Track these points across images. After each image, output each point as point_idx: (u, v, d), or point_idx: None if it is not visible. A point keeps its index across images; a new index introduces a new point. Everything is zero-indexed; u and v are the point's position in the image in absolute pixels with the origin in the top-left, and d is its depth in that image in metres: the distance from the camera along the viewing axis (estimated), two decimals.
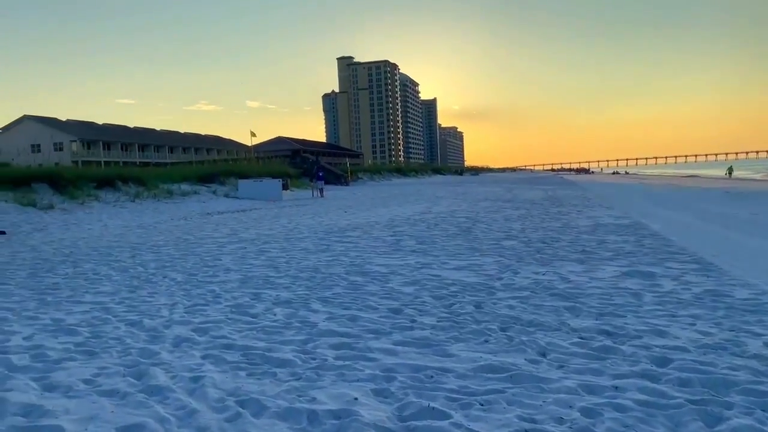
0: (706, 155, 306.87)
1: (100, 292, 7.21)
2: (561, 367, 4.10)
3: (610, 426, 3.14)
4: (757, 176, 58.11)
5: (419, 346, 4.57)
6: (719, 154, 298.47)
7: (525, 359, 4.22)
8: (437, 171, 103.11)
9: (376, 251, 10.10)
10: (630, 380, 3.78)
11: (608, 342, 4.65)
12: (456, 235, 12.34)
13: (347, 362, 4.26)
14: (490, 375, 3.88)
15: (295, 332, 5.13)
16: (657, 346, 4.52)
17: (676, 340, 4.71)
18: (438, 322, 5.28)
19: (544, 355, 4.39)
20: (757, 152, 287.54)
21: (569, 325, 5.14)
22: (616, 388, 3.67)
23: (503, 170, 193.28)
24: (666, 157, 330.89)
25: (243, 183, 33.03)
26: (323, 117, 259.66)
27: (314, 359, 4.37)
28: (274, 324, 5.42)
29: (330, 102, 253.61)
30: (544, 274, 7.71)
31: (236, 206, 25.97)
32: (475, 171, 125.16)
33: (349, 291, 6.78)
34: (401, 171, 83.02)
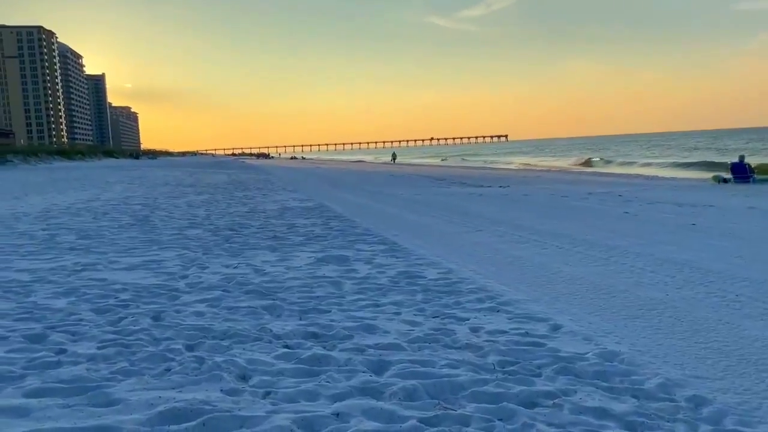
0: (376, 143, 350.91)
1: None
2: (268, 394, 3.22)
3: None
4: (414, 161, 67.33)
5: (68, 393, 3.19)
6: (386, 141, 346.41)
7: (221, 390, 3.23)
8: (109, 154, 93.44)
9: (18, 252, 7.85)
10: (351, 401, 3.10)
11: (318, 349, 3.94)
12: (130, 226, 10.57)
13: None
14: (173, 427, 2.78)
15: None
16: (370, 347, 3.98)
17: (386, 336, 4.25)
18: (99, 349, 3.92)
19: (245, 379, 3.46)
20: (415, 140, 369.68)
21: (271, 330, 4.30)
22: (338, 415, 2.94)
23: (184, 154, 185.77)
24: (336, 144, 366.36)
25: None
26: None
27: None
28: None
29: None
30: (236, 267, 6.77)
31: None
32: (153, 155, 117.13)
33: None
34: (65, 153, 72.67)
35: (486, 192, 18.29)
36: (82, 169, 43.78)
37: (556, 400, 3.12)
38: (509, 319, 4.73)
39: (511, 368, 3.63)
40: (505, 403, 3.07)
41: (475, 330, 4.45)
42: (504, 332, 4.38)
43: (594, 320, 4.71)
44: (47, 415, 2.91)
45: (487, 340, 4.16)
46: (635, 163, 42.40)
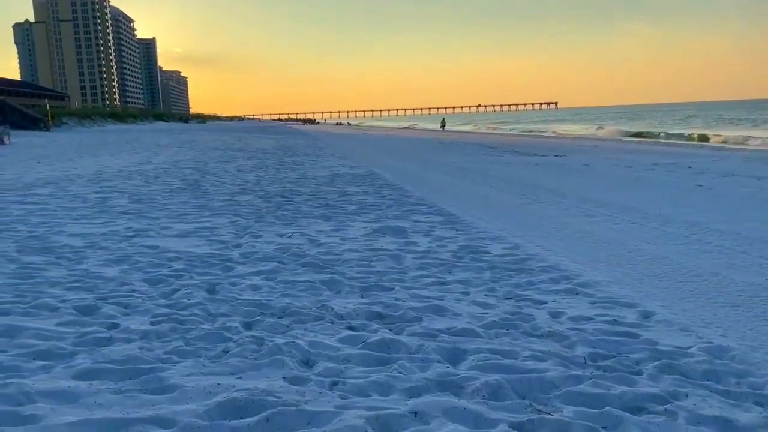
0: (422, 109, 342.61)
1: None
2: (335, 384, 2.89)
3: None
4: (465, 128, 65.52)
5: (120, 376, 2.94)
6: (432, 108, 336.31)
7: (284, 378, 2.92)
8: (160, 117, 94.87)
9: (71, 215, 7.76)
10: (429, 398, 2.74)
11: (385, 332, 3.60)
12: (181, 191, 10.43)
13: None
14: (234, 423, 2.48)
15: None
16: (441, 332, 3.61)
17: (458, 319, 3.87)
18: (153, 324, 3.67)
19: (309, 365, 3.14)
20: (462, 107, 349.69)
21: (332, 309, 3.98)
22: (416, 414, 2.59)
23: (231, 119, 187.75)
24: (381, 110, 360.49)
25: None
26: (15, 50, 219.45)
27: None
28: None
29: (24, 33, 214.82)
30: (290, 236, 6.48)
31: None
32: (202, 119, 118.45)
33: (15, 281, 4.65)
34: (118, 116, 74.13)
35: (542, 161, 17.55)
36: (134, 132, 44.52)
37: (666, 406, 2.70)
38: (592, 304, 4.28)
39: (606, 363, 3.21)
40: (608, 408, 2.66)
41: (555, 315, 4.03)
42: (589, 319, 3.94)
43: (688, 307, 4.22)
44: (97, 401, 2.65)
45: (571, 328, 3.74)
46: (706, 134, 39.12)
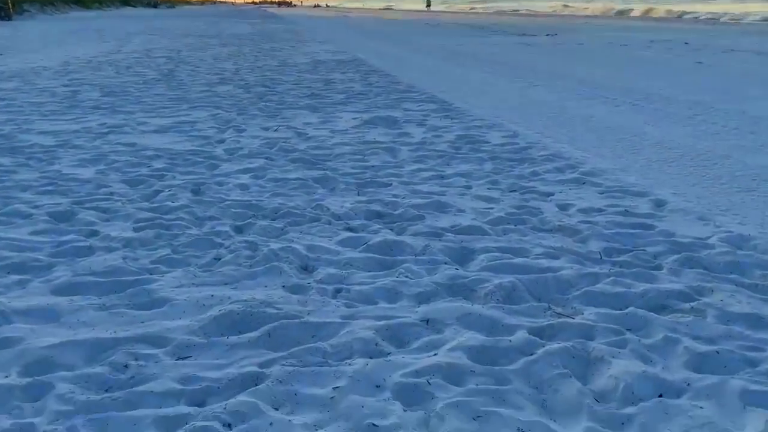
0: None
1: None
2: (339, 292, 2.69)
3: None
4: (453, 8, 62.63)
5: (103, 290, 2.70)
6: None
7: (283, 287, 2.71)
8: (127, 2, 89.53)
9: (39, 111, 7.24)
10: (441, 304, 2.55)
11: (387, 232, 3.37)
12: (156, 82, 9.81)
13: None
14: (233, 338, 2.28)
15: None
16: (446, 230, 3.39)
17: (462, 216, 3.65)
18: (136, 231, 3.40)
19: (308, 271, 2.93)
20: None
21: (329, 209, 3.72)
22: (428, 322, 2.41)
23: (203, 3, 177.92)
24: None
25: None
26: None
27: None
28: None
29: None
30: (276, 130, 6.11)
31: None
32: (172, 3, 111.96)
33: None
34: (82, 2, 69.76)
35: (533, 41, 16.79)
36: (101, 19, 42.02)
37: (693, 304, 2.54)
38: (601, 194, 4.06)
39: (623, 258, 3.02)
40: (631, 309, 2.49)
41: (563, 208, 3.81)
42: (600, 210, 3.73)
43: (702, 194, 4.03)
44: (81, 320, 2.43)
45: (582, 221, 3.53)
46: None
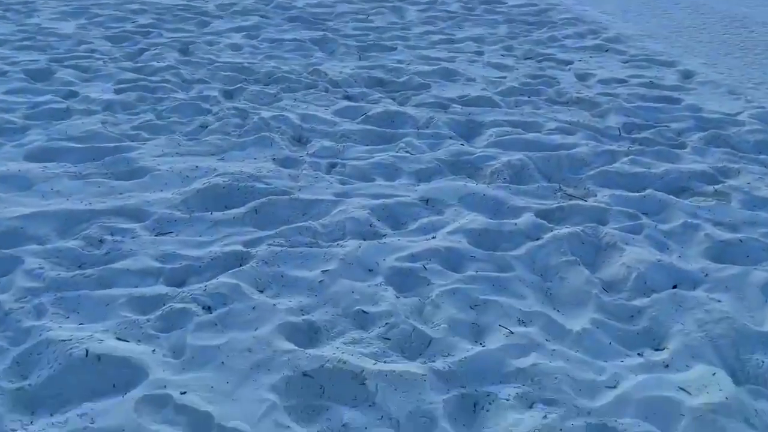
0: None
1: None
2: (333, 167, 2.49)
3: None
4: None
5: (80, 157, 2.50)
6: None
7: (273, 159, 2.50)
8: None
9: None
10: (442, 183, 2.37)
11: (388, 102, 3.11)
12: None
13: None
14: (217, 214, 2.12)
15: None
16: (453, 101, 3.12)
17: (472, 85, 3.35)
18: (117, 93, 3.14)
19: (302, 142, 2.71)
20: None
21: (326, 74, 3.42)
22: (427, 201, 2.24)
23: None
24: None
25: None
26: None
27: None
28: None
29: None
30: None
31: None
32: None
33: None
34: None
35: None
36: None
37: (717, 187, 2.34)
38: (624, 63, 3.73)
39: (644, 135, 2.79)
40: (650, 191, 2.30)
41: (583, 78, 3.50)
42: (622, 81, 3.43)
43: (735, 64, 3.69)
44: (54, 188, 2.26)
45: (601, 93, 3.25)
46: None
